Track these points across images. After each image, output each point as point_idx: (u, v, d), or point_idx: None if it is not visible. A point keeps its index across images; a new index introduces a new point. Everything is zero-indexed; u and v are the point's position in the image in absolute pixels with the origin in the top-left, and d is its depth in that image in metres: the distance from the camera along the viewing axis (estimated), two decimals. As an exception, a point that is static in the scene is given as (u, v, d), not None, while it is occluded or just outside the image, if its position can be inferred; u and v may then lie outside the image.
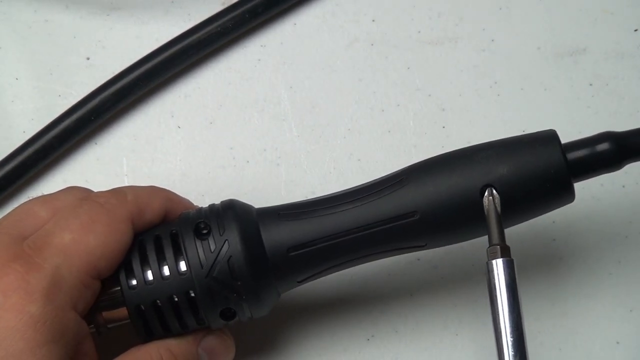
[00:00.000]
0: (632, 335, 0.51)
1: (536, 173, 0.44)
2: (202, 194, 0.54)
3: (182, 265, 0.44)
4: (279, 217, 0.45)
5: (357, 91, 0.56)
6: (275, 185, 0.54)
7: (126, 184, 0.54)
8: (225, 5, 0.56)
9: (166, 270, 0.44)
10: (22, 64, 0.57)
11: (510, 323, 0.42)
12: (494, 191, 0.43)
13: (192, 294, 0.44)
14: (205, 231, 0.45)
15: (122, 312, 0.45)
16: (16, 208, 0.46)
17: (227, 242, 0.44)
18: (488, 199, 0.43)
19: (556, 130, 0.54)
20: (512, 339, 0.42)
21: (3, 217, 0.45)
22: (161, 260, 0.45)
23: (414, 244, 0.46)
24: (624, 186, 0.53)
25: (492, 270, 0.42)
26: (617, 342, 0.51)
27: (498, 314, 0.42)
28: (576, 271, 0.52)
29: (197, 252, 0.44)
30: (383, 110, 0.55)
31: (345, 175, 0.54)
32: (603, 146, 0.45)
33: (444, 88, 0.56)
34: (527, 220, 0.46)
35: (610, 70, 0.55)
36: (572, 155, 0.45)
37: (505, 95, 0.55)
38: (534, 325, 0.51)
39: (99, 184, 0.54)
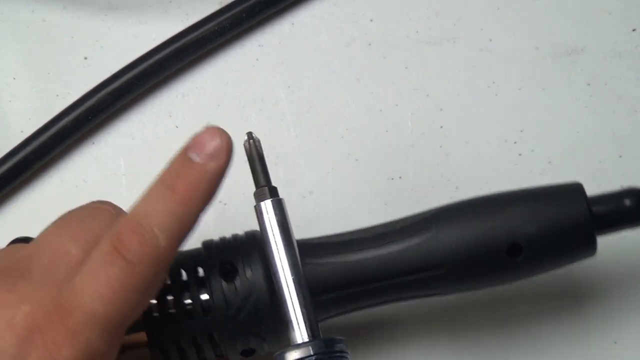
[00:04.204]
0: (630, 334, 0.51)
1: (562, 231, 0.45)
2: (199, 194, 0.54)
3: (207, 306, 0.44)
4: (304, 259, 0.45)
5: (355, 91, 0.56)
6: (273, 185, 0.54)
7: (124, 184, 0.54)
8: (223, 5, 0.56)
9: (190, 311, 0.44)
10: (19, 64, 0.57)
11: (288, 261, 0.42)
12: (253, 135, 0.44)
13: (215, 335, 0.44)
14: (231, 271, 0.44)
15: (141, 336, 0.44)
16: (46, 242, 0.42)
17: (254, 286, 0.43)
18: (249, 143, 0.44)
19: (554, 130, 0.55)
20: (292, 277, 0.42)
21: (34, 252, 0.42)
22: (185, 300, 0.44)
23: (434, 292, 0.46)
24: (622, 186, 0.53)
25: (263, 213, 0.43)
26: (615, 342, 0.51)
27: (274, 255, 0.42)
28: (573, 270, 0.52)
29: (223, 294, 0.43)
30: (381, 110, 0.55)
31: (344, 175, 0.54)
32: (628, 202, 0.45)
33: (442, 88, 0.56)
34: (546, 272, 0.46)
35: (609, 70, 0.55)
36: (597, 210, 0.45)
37: (503, 95, 0.55)
38: (531, 325, 0.51)
39: (97, 183, 0.54)
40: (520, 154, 0.54)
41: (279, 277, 0.42)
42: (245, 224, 0.46)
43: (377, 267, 0.45)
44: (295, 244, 0.43)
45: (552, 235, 0.44)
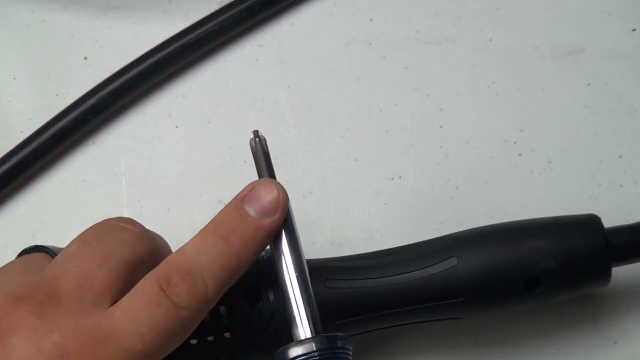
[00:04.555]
0: (630, 335, 0.51)
1: (580, 265, 0.46)
2: (199, 194, 0.54)
3: (229, 329, 0.44)
4: (325, 283, 0.45)
5: (355, 91, 0.56)
6: (273, 185, 0.54)
7: (124, 184, 0.54)
8: (223, 5, 0.56)
9: (211, 334, 0.44)
10: (19, 64, 0.57)
11: (292, 258, 0.42)
12: (259, 133, 0.44)
13: (235, 355, 0.44)
14: (254, 295, 0.44)
15: None
16: (72, 266, 0.41)
17: (277, 311, 0.44)
18: (255, 141, 0.44)
19: (554, 130, 0.55)
20: (296, 274, 0.42)
21: (59, 274, 0.40)
22: (207, 323, 0.44)
23: (449, 318, 0.47)
24: (621, 186, 0.53)
25: None
26: (615, 342, 0.51)
27: (278, 252, 0.42)
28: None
29: (245, 319, 0.43)
30: (381, 110, 0.55)
31: (344, 175, 0.54)
32: None
33: (442, 88, 0.56)
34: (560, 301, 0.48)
35: (608, 70, 0.55)
36: (614, 242, 0.46)
37: (503, 95, 0.55)
38: (531, 325, 0.51)
39: (97, 183, 0.54)
40: (520, 154, 0.54)
41: (283, 275, 0.42)
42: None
43: (396, 295, 0.45)
44: (300, 242, 0.43)
45: (569, 269, 0.45)
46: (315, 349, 0.40)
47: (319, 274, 0.45)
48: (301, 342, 0.41)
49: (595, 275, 0.46)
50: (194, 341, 0.44)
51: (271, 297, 0.44)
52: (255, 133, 0.44)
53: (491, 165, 0.54)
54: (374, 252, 0.48)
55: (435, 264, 0.45)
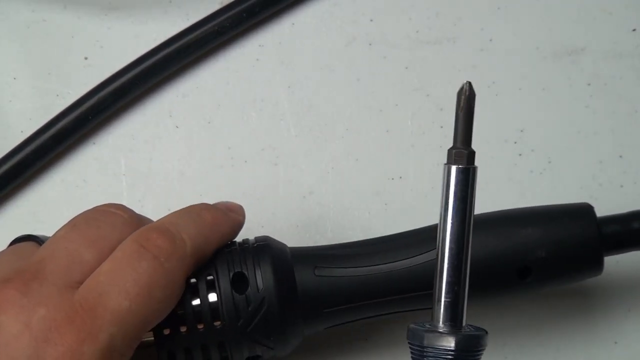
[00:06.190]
0: (630, 335, 0.51)
1: (572, 254, 0.45)
2: (200, 194, 0.54)
3: (217, 318, 0.44)
4: (315, 270, 0.45)
5: (355, 91, 0.56)
6: (273, 185, 0.54)
7: (124, 184, 0.54)
8: (223, 5, 0.56)
9: (200, 322, 0.44)
10: (20, 64, 0.57)
11: (456, 236, 0.39)
12: (473, 87, 0.40)
13: (224, 343, 0.44)
14: (242, 283, 0.44)
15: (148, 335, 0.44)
16: (61, 247, 0.42)
17: (265, 299, 0.44)
18: (464, 93, 0.40)
19: (554, 130, 0.55)
20: (455, 251, 0.39)
21: (47, 256, 0.41)
22: (196, 311, 0.44)
23: None
24: (622, 186, 0.53)
25: (446, 177, 0.39)
26: (615, 342, 0.51)
27: (443, 226, 0.39)
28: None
29: (234, 307, 0.43)
30: (381, 110, 0.55)
31: (344, 175, 0.54)
32: (636, 224, 0.46)
33: (442, 88, 0.55)
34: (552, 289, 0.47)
35: (609, 70, 0.55)
36: (606, 232, 0.46)
37: (504, 95, 0.55)
38: (532, 325, 0.51)
39: (97, 183, 0.54)
40: (520, 154, 0.54)
41: (441, 252, 0.39)
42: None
43: (387, 283, 0.45)
44: (471, 220, 0.39)
45: (562, 258, 0.45)
46: (453, 348, 0.38)
47: (309, 262, 0.45)
48: (441, 335, 0.38)
49: (587, 264, 0.46)
50: (183, 329, 0.44)
51: (259, 285, 0.44)
52: (469, 84, 0.40)
53: (491, 165, 0.54)
54: (364, 240, 0.48)
55: (425, 252, 0.45)
